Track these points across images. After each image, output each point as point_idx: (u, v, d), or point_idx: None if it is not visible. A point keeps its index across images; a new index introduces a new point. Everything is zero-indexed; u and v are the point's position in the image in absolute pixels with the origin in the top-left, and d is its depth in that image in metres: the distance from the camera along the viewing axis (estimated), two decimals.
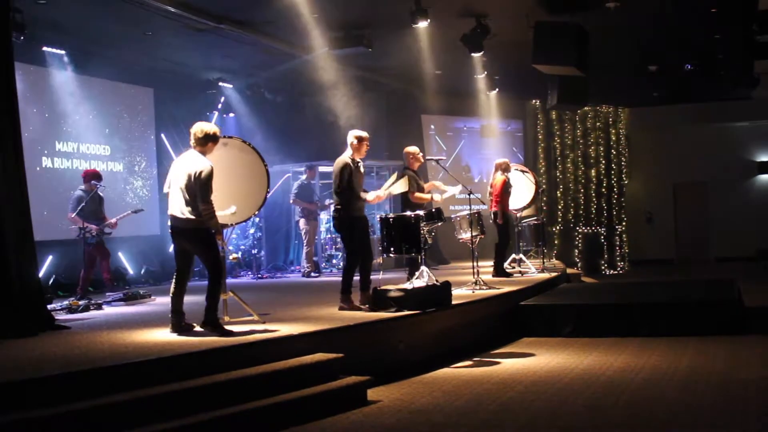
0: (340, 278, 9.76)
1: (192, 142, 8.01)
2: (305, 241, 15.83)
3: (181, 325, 7.88)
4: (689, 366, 8.59)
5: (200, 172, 7.71)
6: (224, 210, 8.18)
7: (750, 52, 15.85)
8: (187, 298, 8.09)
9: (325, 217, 16.73)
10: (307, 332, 7.82)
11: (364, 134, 9.65)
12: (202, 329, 7.79)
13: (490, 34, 13.97)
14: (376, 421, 6.68)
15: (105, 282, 12.58)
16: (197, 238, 7.85)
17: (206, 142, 7.98)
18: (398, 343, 8.77)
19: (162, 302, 11.18)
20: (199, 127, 8.00)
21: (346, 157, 9.54)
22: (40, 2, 11.53)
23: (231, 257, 15.32)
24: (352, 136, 9.60)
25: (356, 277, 9.63)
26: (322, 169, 17.20)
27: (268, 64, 16.09)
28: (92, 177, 12.19)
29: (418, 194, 11.05)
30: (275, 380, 6.83)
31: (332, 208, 9.86)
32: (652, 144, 24.11)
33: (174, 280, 8.05)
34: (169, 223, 8.04)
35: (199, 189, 7.70)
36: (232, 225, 8.83)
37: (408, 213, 9.98)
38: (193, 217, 7.74)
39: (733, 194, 23.53)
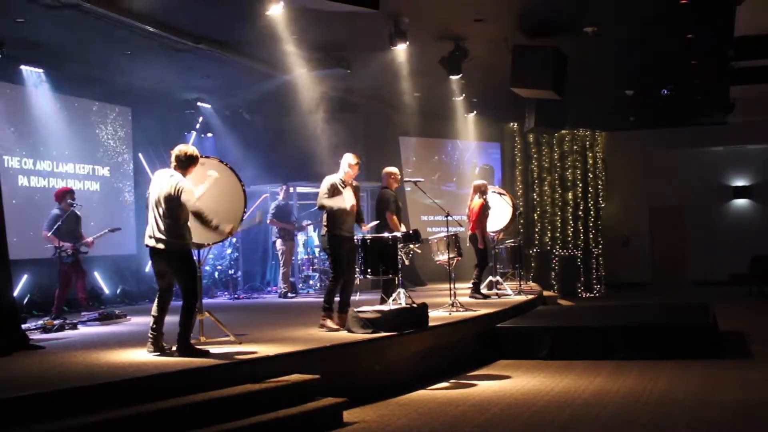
0: (317, 299, 9.75)
1: (173, 163, 7.94)
2: (282, 262, 15.78)
3: (158, 346, 7.82)
4: (664, 389, 8.62)
5: (179, 190, 7.67)
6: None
7: (726, 77, 16.06)
8: (167, 318, 8.02)
9: (302, 238, 16.74)
10: (283, 353, 7.80)
11: (355, 159, 9.74)
12: (177, 353, 7.72)
13: (469, 57, 14.05)
14: None
15: (80, 301, 12.48)
16: (176, 259, 7.79)
17: (189, 164, 7.94)
18: (374, 365, 8.74)
19: (137, 322, 11.11)
20: (183, 150, 7.95)
21: (334, 177, 9.61)
22: (18, 21, 11.50)
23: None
24: (345, 161, 9.69)
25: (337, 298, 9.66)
26: (300, 189, 17.23)
27: (247, 84, 16.10)
28: (65, 195, 12.13)
29: (393, 217, 11.06)
30: (251, 401, 6.79)
31: (322, 226, 9.86)
32: (628, 168, 24.27)
33: (156, 301, 7.98)
34: (146, 244, 7.93)
35: (177, 207, 7.67)
36: (209, 245, 8.80)
37: (386, 234, 9.98)
38: (172, 239, 7.70)
39: (708, 218, 23.70)
